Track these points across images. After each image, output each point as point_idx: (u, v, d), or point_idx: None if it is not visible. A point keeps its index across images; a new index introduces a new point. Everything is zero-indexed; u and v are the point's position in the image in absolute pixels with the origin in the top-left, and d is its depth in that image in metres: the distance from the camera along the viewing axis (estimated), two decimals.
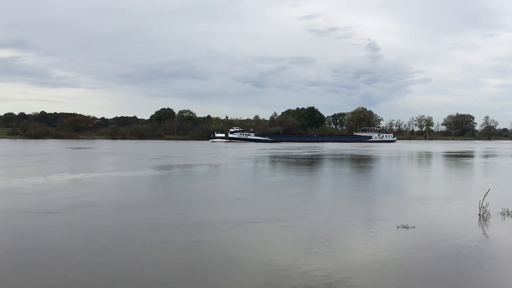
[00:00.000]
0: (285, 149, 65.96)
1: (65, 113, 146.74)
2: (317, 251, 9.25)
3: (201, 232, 10.68)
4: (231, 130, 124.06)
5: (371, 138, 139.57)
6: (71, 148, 60.12)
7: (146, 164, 32.07)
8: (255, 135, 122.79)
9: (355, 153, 56.39)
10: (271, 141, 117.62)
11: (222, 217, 12.40)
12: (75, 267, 7.96)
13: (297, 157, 43.18)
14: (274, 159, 40.65)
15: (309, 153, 51.81)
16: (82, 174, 23.66)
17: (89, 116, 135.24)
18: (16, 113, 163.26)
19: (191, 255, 8.85)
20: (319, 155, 49.54)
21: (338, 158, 44.07)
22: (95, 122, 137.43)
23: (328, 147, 76.54)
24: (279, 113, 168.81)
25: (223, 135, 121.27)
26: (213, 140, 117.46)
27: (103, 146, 70.33)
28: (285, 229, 11.13)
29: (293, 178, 23.82)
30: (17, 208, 13.42)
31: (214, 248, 9.31)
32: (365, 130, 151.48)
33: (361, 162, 39.16)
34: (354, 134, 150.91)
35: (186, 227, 11.18)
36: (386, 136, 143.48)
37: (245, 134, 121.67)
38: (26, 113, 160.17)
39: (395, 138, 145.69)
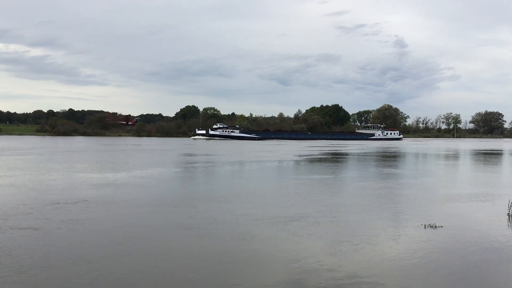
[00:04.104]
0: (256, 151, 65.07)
1: (92, 111, 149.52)
2: (342, 248, 9.28)
3: (248, 226, 10.93)
4: (214, 126, 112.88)
5: (374, 135, 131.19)
6: (121, 144, 61.91)
7: (200, 160, 33.42)
8: (240, 132, 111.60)
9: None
10: (258, 139, 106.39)
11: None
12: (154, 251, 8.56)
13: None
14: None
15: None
16: (152, 169, 25.82)
17: (115, 113, 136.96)
18: (45, 110, 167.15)
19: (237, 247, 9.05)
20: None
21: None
22: (135, 120, 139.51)
23: (313, 147, 64.40)
24: (303, 111, 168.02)
25: (203, 131, 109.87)
26: (195, 137, 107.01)
27: (141, 143, 71.84)
28: (317, 227, 11.17)
29: (296, 179, 23.72)
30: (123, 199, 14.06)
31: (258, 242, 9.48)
32: (368, 127, 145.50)
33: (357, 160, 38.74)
34: (356, 131, 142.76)
35: (243, 221, 11.49)
36: (391, 133, 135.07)
37: (229, 131, 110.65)
38: (55, 111, 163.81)
39: (401, 136, 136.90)
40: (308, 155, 42.60)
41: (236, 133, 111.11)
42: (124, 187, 18.09)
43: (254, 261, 8.44)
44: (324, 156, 42.12)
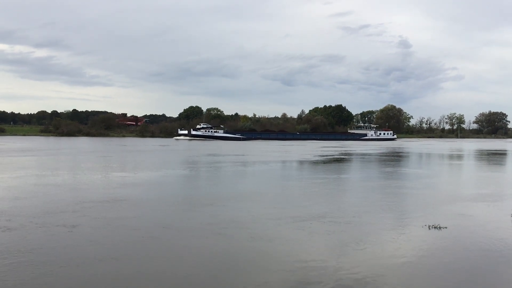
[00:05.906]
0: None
1: (96, 111, 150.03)
2: (348, 249, 9.66)
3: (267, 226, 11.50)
4: (197, 126, 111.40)
5: (366, 136, 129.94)
6: (130, 145, 63.01)
7: (232, 160, 34.05)
8: (224, 132, 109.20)
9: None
10: (243, 139, 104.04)
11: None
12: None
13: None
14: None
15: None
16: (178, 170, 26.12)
17: (125, 114, 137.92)
18: (49, 111, 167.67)
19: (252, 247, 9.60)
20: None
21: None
22: (144, 120, 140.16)
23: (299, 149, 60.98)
24: (307, 111, 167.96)
25: (186, 132, 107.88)
26: (177, 138, 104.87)
27: (147, 143, 72.82)
28: (327, 226, 11.60)
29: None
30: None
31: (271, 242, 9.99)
32: (360, 127, 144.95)
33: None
34: (349, 131, 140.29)
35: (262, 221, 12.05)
36: (384, 133, 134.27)
37: (212, 131, 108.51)
38: (59, 111, 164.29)
39: (395, 136, 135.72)
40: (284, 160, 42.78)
41: (220, 133, 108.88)
42: (148, 186, 19.37)
43: (262, 261, 8.90)
44: (303, 160, 42.27)
